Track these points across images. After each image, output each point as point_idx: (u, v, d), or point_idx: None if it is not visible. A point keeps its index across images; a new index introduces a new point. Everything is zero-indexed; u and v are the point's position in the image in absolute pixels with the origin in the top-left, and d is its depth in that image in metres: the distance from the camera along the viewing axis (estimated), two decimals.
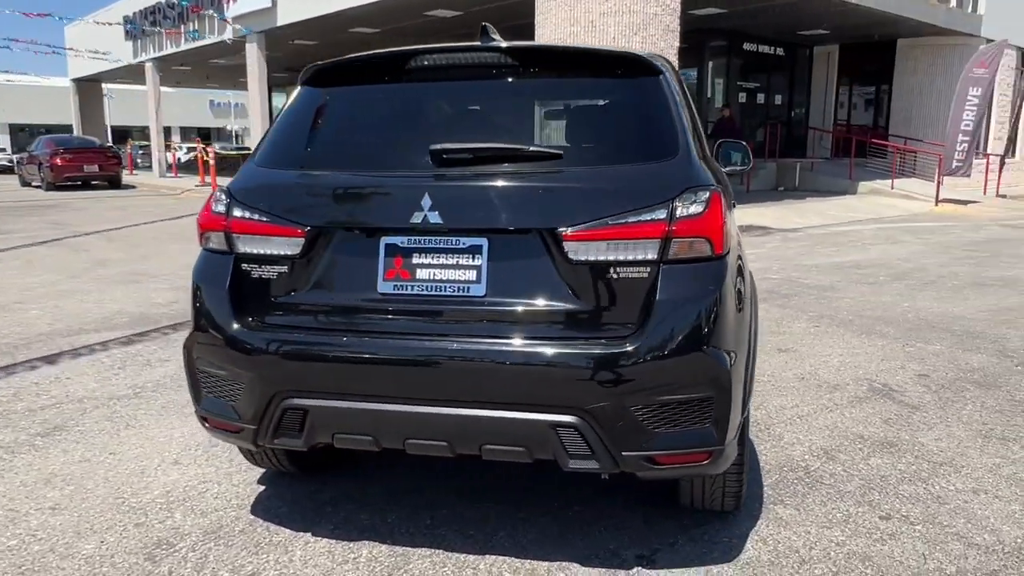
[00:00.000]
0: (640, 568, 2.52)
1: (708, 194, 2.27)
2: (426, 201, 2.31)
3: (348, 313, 2.42)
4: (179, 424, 3.80)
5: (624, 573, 2.49)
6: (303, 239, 2.42)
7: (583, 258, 2.24)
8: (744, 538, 2.70)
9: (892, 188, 17.36)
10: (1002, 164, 18.99)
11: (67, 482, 3.18)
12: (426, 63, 2.61)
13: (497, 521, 2.82)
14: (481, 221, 2.31)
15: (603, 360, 2.19)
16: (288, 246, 2.44)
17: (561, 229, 2.25)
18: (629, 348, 2.19)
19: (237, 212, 2.52)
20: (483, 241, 2.31)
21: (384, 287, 2.38)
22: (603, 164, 2.39)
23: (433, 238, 2.34)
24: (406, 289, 2.36)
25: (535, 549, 2.63)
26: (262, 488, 3.12)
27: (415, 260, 2.36)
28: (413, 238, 2.36)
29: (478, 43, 2.59)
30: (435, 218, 2.30)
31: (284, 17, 18.75)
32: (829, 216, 14.01)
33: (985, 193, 18.25)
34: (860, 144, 19.97)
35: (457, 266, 2.33)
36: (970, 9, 19.17)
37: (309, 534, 2.75)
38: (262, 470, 3.25)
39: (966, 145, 16.27)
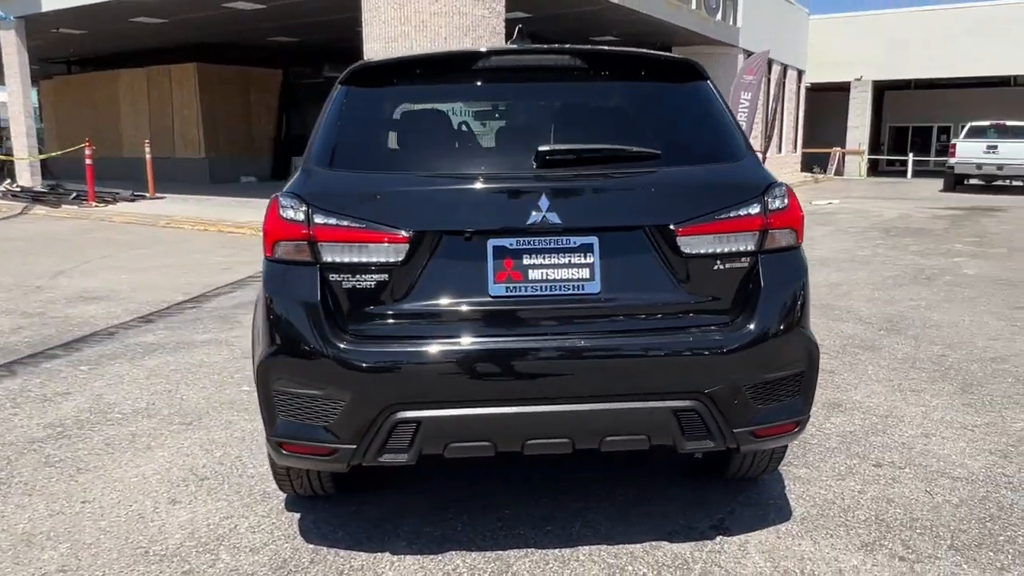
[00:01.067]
0: (721, 536, 2.72)
1: (786, 189, 2.51)
2: (543, 202, 2.33)
3: (457, 318, 2.36)
4: (140, 460, 3.39)
5: (711, 543, 2.68)
6: (407, 245, 2.32)
7: (694, 251, 2.39)
8: (784, 498, 3.01)
9: None
10: (763, 160, 21.73)
11: (56, 540, 2.74)
12: (493, 64, 2.60)
13: (564, 514, 2.88)
14: (593, 220, 2.37)
15: (721, 346, 2.35)
16: (389, 253, 2.32)
17: (672, 225, 2.37)
18: (743, 333, 2.37)
19: (320, 219, 2.35)
20: (594, 239, 2.37)
21: (495, 290, 2.35)
22: (688, 164, 2.54)
23: (544, 238, 2.36)
24: (519, 291, 2.35)
25: (617, 535, 2.73)
26: (297, 515, 2.90)
27: (526, 261, 2.36)
28: (523, 239, 2.35)
29: (554, 45, 2.63)
30: (554, 219, 2.33)
31: (52, 2, 16.61)
32: None
33: None
34: None
35: (570, 265, 2.37)
36: (731, 22, 21.65)
37: (387, 553, 2.63)
38: (280, 497, 3.02)
39: None
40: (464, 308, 2.36)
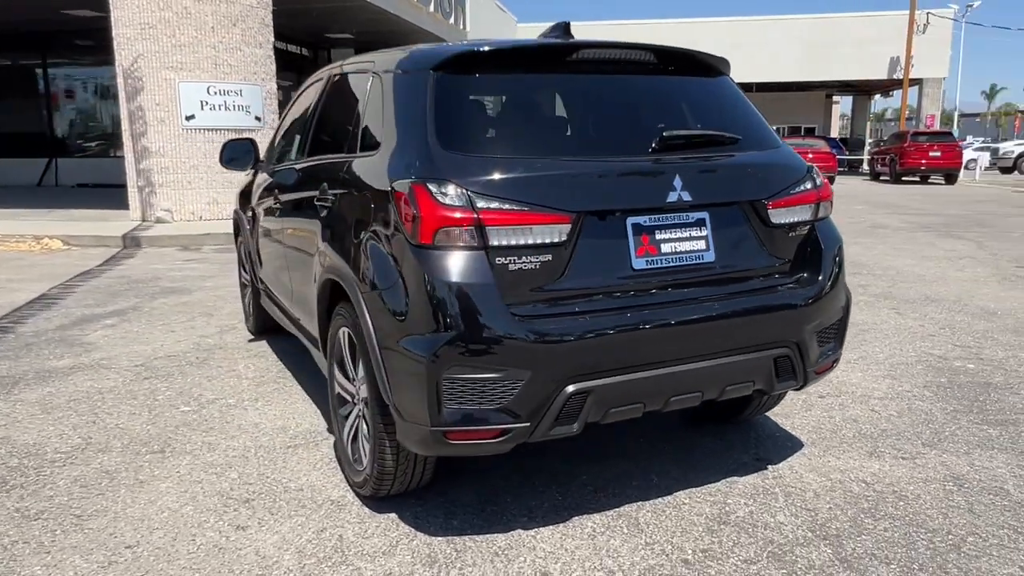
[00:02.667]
0: (770, 465, 3.20)
1: (816, 169, 3.05)
2: (678, 182, 2.59)
3: (609, 292, 2.53)
4: (146, 495, 2.97)
5: (767, 471, 3.14)
6: (568, 225, 2.43)
7: (778, 221, 2.82)
8: (784, 431, 3.58)
9: None
10: None
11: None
12: (585, 56, 2.78)
13: (638, 471, 3.15)
14: (706, 197, 2.68)
15: (803, 300, 2.82)
16: (552, 234, 2.42)
17: (764, 199, 2.78)
18: (814, 288, 2.85)
19: (483, 203, 2.37)
20: (706, 214, 2.69)
21: (638, 263, 2.56)
22: (753, 149, 2.94)
23: (671, 215, 2.62)
24: (656, 263, 2.59)
25: (694, 479, 3.08)
26: (393, 514, 2.81)
27: (658, 236, 2.60)
28: (655, 216, 2.60)
29: (637, 43, 2.86)
30: (686, 196, 2.60)
31: None
32: None
33: None
34: None
35: (691, 238, 2.66)
36: (461, 26, 22.69)
37: (520, 529, 2.70)
38: (357, 503, 2.90)
39: None
40: (614, 282, 2.54)
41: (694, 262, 2.67)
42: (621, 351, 2.49)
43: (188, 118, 11.27)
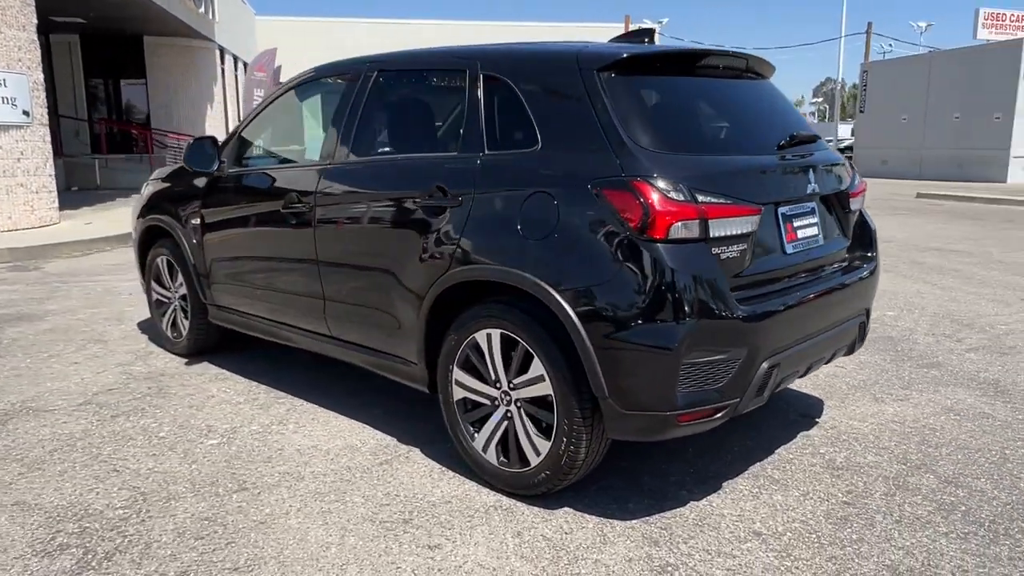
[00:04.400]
0: (817, 419, 3.72)
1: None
2: (811, 176, 2.96)
3: (777, 276, 2.83)
4: (303, 522, 2.68)
5: (821, 424, 3.66)
6: (758, 216, 2.69)
7: (852, 208, 3.32)
8: (802, 390, 4.15)
9: None
10: None
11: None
12: (714, 63, 3.04)
13: (719, 447, 3.49)
14: (824, 188, 3.10)
15: (871, 272, 3.36)
16: (748, 224, 2.66)
17: (847, 189, 3.26)
18: (873, 263, 3.41)
19: (702, 198, 2.54)
20: (814, 204, 3.10)
21: (789, 248, 2.90)
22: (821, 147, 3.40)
23: (799, 205, 2.99)
24: (798, 248, 2.95)
25: (772, 445, 3.50)
26: (575, 506, 2.86)
27: (795, 224, 2.96)
28: (793, 206, 2.95)
29: (742, 51, 3.16)
30: (816, 189, 2.98)
31: None
32: None
33: None
34: (128, 139, 19.81)
35: (809, 225, 3.05)
36: (211, 16, 21.05)
37: (704, 499, 2.91)
38: (524, 506, 2.89)
39: None
40: (778, 266, 2.85)
41: (816, 246, 3.07)
42: (794, 326, 2.81)
43: None
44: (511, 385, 2.88)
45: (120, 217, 11.71)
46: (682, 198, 2.51)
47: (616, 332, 2.53)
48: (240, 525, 2.75)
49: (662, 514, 2.82)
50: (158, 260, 4.88)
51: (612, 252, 2.54)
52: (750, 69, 3.27)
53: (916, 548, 2.58)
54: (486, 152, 2.95)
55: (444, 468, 3.20)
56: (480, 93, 3.03)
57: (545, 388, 2.75)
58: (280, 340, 4.10)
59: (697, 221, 2.52)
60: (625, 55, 2.78)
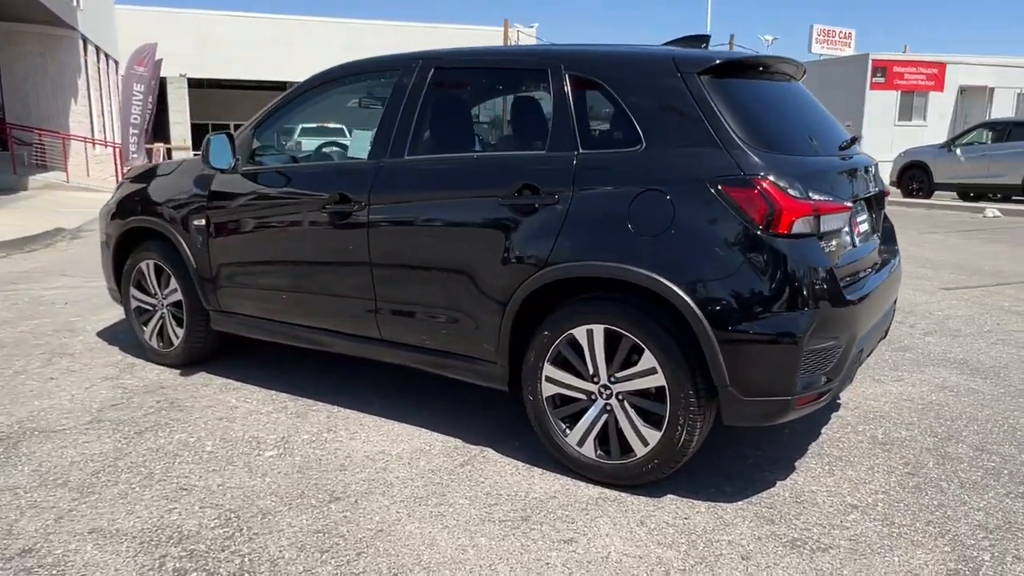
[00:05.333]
0: (838, 401, 4.03)
1: None
2: (870, 175, 3.21)
3: (855, 268, 3.06)
4: (422, 527, 2.63)
5: (846, 405, 3.96)
6: (849, 213, 2.90)
7: (883, 207, 3.63)
8: None
9: (68, 182, 16.72)
10: (149, 153, 20.48)
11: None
12: (779, 68, 3.23)
13: (766, 435, 3.71)
14: (872, 188, 3.37)
15: (900, 265, 3.68)
16: (842, 221, 2.87)
17: (882, 190, 3.56)
18: (899, 255, 3.73)
19: (815, 196, 2.72)
20: (863, 202, 3.37)
21: (857, 242, 3.14)
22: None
23: (859, 203, 3.24)
24: (860, 242, 3.20)
25: (817, 427, 3.76)
26: (677, 492, 2.96)
27: (858, 220, 3.21)
28: (856, 204, 3.19)
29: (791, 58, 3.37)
30: (871, 188, 3.25)
31: None
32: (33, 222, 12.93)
33: None
34: None
35: (864, 221, 3.32)
36: (75, 3, 19.43)
37: (791, 477, 3.09)
38: (630, 497, 2.97)
39: (136, 137, 17.11)
40: (852, 259, 3.07)
41: (869, 240, 3.34)
42: (870, 313, 3.05)
43: None
44: (612, 379, 2.95)
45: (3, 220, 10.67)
46: (800, 195, 2.67)
47: (741, 323, 2.66)
48: (358, 535, 2.66)
49: (759, 495, 2.98)
50: (141, 265, 4.54)
51: (734, 247, 2.67)
52: (795, 73, 3.51)
53: (991, 508, 2.88)
54: (581, 151, 2.99)
55: (527, 465, 3.21)
56: (569, 93, 3.06)
57: (656, 380, 2.83)
58: (309, 345, 3.94)
59: (812, 217, 2.70)
60: (719, 60, 2.92)
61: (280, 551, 2.55)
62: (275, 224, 3.86)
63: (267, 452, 3.34)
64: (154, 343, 4.60)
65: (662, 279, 2.73)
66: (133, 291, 4.64)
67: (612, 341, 2.92)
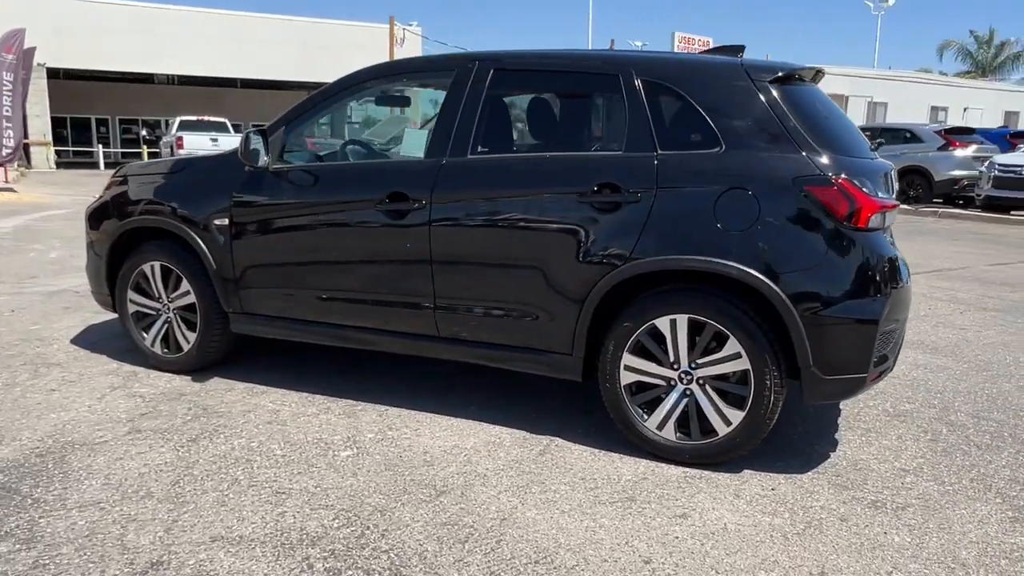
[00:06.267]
0: None
1: None
2: (891, 178, 3.59)
3: (893, 259, 3.41)
4: (542, 516, 2.74)
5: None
6: (885, 212, 3.25)
7: None
8: None
9: None
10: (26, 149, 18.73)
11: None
12: (812, 76, 3.54)
13: (803, 411, 4.05)
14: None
15: None
16: (892, 217, 3.21)
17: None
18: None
19: (880, 194, 3.04)
20: None
21: (888, 239, 3.51)
22: None
23: None
24: (887, 237, 3.57)
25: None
26: (767, 472, 3.21)
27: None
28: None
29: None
30: (895, 188, 3.62)
31: None
32: None
33: (7, 180, 17.82)
34: None
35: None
36: None
37: (864, 455, 3.41)
38: (721, 475, 3.20)
39: (11, 132, 15.69)
40: (892, 252, 3.41)
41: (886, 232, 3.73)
42: (909, 298, 3.42)
43: None
44: (693, 365, 3.16)
45: None
46: (871, 193, 2.99)
47: (826, 309, 2.95)
48: (487, 524, 2.73)
49: (822, 466, 3.28)
50: (144, 267, 4.31)
51: (818, 240, 2.95)
52: (817, 79, 3.86)
53: (1014, 465, 3.32)
54: (660, 152, 3.18)
55: (601, 450, 3.37)
56: (643, 97, 3.24)
57: (740, 364, 3.07)
58: (351, 345, 3.91)
59: (880, 213, 3.02)
60: (782, 71, 3.20)
61: (420, 544, 2.59)
62: (316, 223, 3.80)
63: (342, 452, 3.32)
64: (157, 349, 4.38)
65: (752, 271, 2.97)
66: (132, 295, 4.39)
67: (694, 330, 3.13)
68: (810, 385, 3.03)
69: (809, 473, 3.20)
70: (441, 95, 3.75)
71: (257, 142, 3.78)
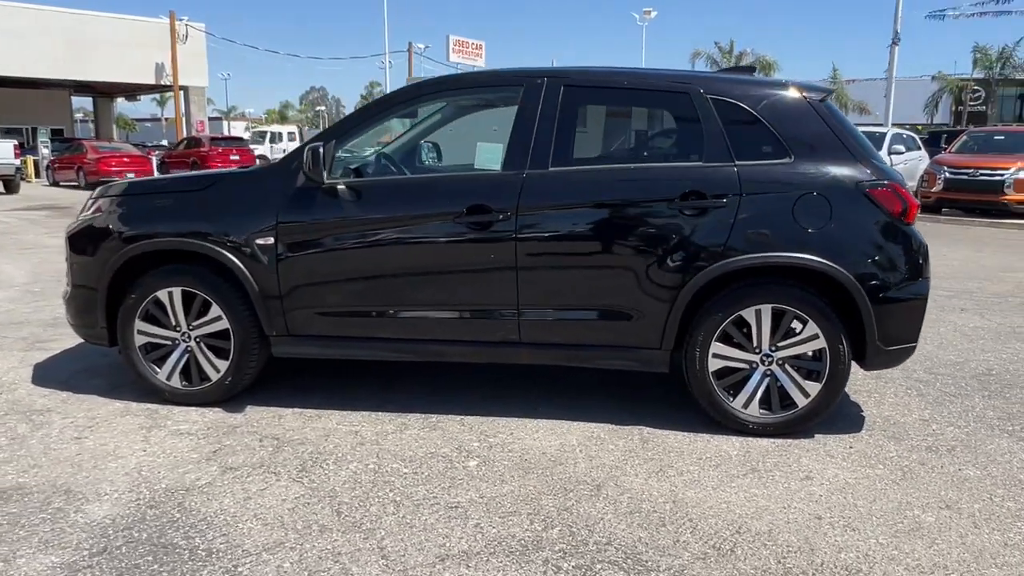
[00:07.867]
0: None
1: None
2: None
3: None
4: (664, 493, 3.05)
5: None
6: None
7: None
8: None
9: None
10: None
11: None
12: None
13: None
14: None
15: None
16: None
17: None
18: None
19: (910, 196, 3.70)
20: None
21: None
22: None
23: None
24: None
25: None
26: (838, 451, 3.73)
27: None
28: None
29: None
30: None
31: None
32: None
33: None
34: None
35: None
36: None
37: (940, 437, 4.05)
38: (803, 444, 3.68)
39: None
40: None
41: None
42: None
43: None
44: (773, 347, 3.62)
45: None
46: (912, 194, 3.63)
47: (889, 290, 3.53)
48: (666, 508, 2.98)
49: (873, 423, 3.89)
50: (159, 294, 3.95)
51: (880, 234, 3.53)
52: None
53: (992, 407, 4.14)
54: (737, 162, 3.59)
55: (692, 433, 3.71)
56: (715, 113, 3.63)
57: (818, 344, 3.57)
58: (419, 358, 3.93)
59: (919, 210, 3.67)
60: (824, 91, 3.76)
61: (630, 532, 2.78)
62: (382, 239, 3.76)
63: (470, 462, 3.37)
64: (175, 383, 4.03)
65: (830, 263, 3.48)
66: (140, 325, 4.01)
67: (776, 317, 3.58)
68: (873, 356, 3.60)
69: (867, 430, 3.79)
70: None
71: (321, 157, 3.65)
